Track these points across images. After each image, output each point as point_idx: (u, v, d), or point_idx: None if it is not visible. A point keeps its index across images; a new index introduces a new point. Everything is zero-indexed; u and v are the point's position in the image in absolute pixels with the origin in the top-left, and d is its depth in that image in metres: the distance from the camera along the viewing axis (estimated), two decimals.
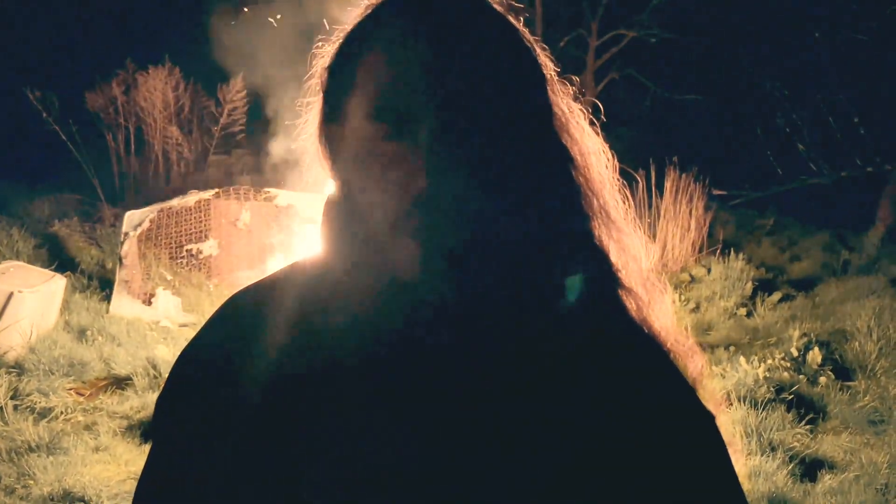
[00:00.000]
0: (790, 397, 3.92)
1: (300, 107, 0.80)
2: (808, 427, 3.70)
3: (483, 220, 0.67)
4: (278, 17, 7.19)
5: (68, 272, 5.60)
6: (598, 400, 0.67)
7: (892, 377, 4.24)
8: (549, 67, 0.74)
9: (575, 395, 0.67)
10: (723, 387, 4.00)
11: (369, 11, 0.73)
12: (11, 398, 3.76)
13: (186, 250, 5.84)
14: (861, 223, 7.78)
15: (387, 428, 0.66)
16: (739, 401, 3.82)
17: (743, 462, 3.34)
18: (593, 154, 0.77)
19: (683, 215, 6.79)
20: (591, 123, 0.78)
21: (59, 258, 6.13)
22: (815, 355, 4.33)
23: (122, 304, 5.36)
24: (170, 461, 0.73)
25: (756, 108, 9.21)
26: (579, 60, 10.49)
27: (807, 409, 3.84)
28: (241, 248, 5.94)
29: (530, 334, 0.69)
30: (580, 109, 0.77)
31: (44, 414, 3.72)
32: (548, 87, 0.73)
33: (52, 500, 2.97)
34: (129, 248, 5.63)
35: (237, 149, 9.55)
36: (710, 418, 0.72)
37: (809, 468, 3.38)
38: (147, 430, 3.58)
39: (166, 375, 1.23)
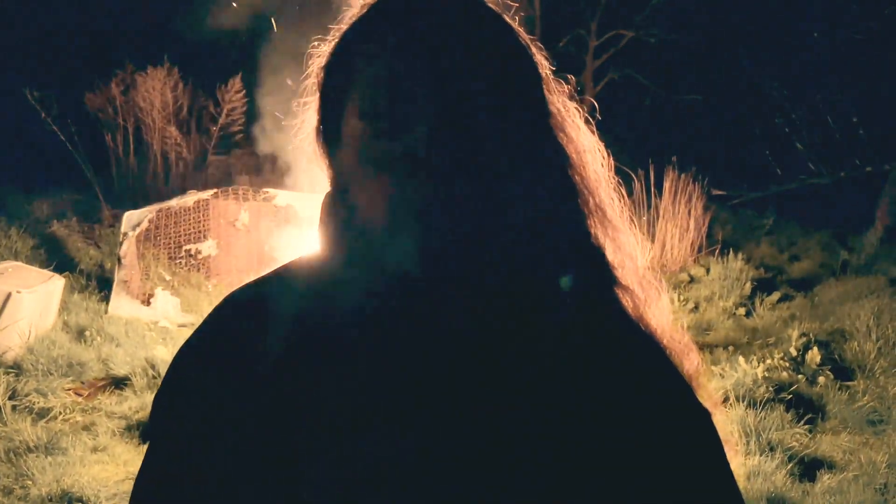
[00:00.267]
0: (789, 397, 3.92)
1: (297, 107, 0.80)
2: (806, 427, 3.70)
3: (479, 219, 0.67)
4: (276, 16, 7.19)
5: (67, 272, 5.60)
6: (594, 398, 0.68)
7: (891, 377, 4.24)
8: (544, 67, 0.75)
9: (571, 393, 0.67)
10: (722, 386, 4.00)
11: (365, 11, 0.73)
12: (10, 398, 3.76)
13: (185, 250, 5.84)
14: (860, 223, 7.78)
15: (386, 427, 0.66)
16: (738, 400, 3.82)
17: (741, 461, 3.34)
18: (589, 153, 0.77)
19: (682, 215, 6.79)
20: (587, 122, 0.78)
21: (57, 258, 6.12)
22: (814, 355, 4.33)
23: (121, 304, 5.36)
24: (167, 460, 0.73)
25: (755, 108, 9.22)
26: (578, 60, 10.50)
27: (806, 409, 3.84)
28: (239, 248, 5.93)
29: (527, 332, 0.69)
30: (576, 108, 0.77)
31: (42, 414, 3.72)
32: (544, 87, 0.74)
33: (50, 500, 2.97)
34: (127, 249, 5.63)
35: (236, 149, 9.54)
36: (706, 416, 0.72)
37: (808, 468, 3.39)
38: (146, 430, 3.58)
39: None
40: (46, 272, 4.93)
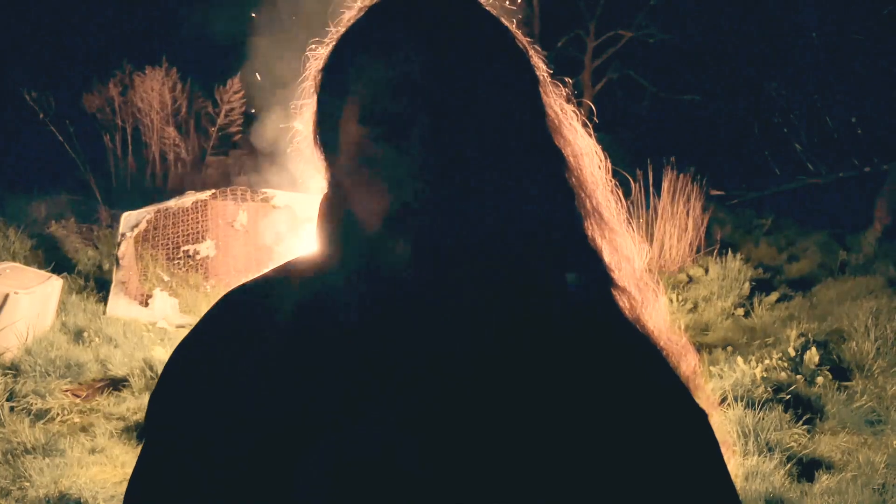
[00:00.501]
0: (787, 397, 3.92)
1: (295, 109, 0.80)
2: (805, 427, 3.70)
3: (475, 222, 0.67)
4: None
5: (65, 273, 5.59)
6: (590, 399, 0.68)
7: (890, 377, 4.24)
8: (541, 69, 0.75)
9: (567, 394, 0.68)
10: (720, 387, 4.00)
11: (363, 13, 0.73)
12: (7, 400, 3.76)
13: (183, 251, 5.83)
14: (858, 223, 7.79)
15: (382, 427, 0.66)
16: (736, 401, 3.82)
17: (740, 462, 3.34)
18: (586, 155, 0.77)
19: (681, 215, 6.79)
20: (585, 125, 0.78)
21: (55, 259, 6.12)
22: (813, 355, 4.33)
23: (119, 305, 5.36)
24: (162, 461, 0.73)
25: (753, 109, 9.23)
26: (577, 61, 10.51)
27: (804, 410, 3.84)
28: (238, 248, 5.93)
29: (523, 334, 0.69)
30: (573, 111, 0.77)
31: (40, 415, 3.72)
32: (541, 89, 0.74)
33: (48, 502, 2.96)
34: (125, 249, 5.62)
35: (234, 149, 9.54)
36: (703, 417, 0.72)
37: (807, 468, 3.39)
38: (142, 431, 3.57)
39: None
40: (44, 273, 4.93)
